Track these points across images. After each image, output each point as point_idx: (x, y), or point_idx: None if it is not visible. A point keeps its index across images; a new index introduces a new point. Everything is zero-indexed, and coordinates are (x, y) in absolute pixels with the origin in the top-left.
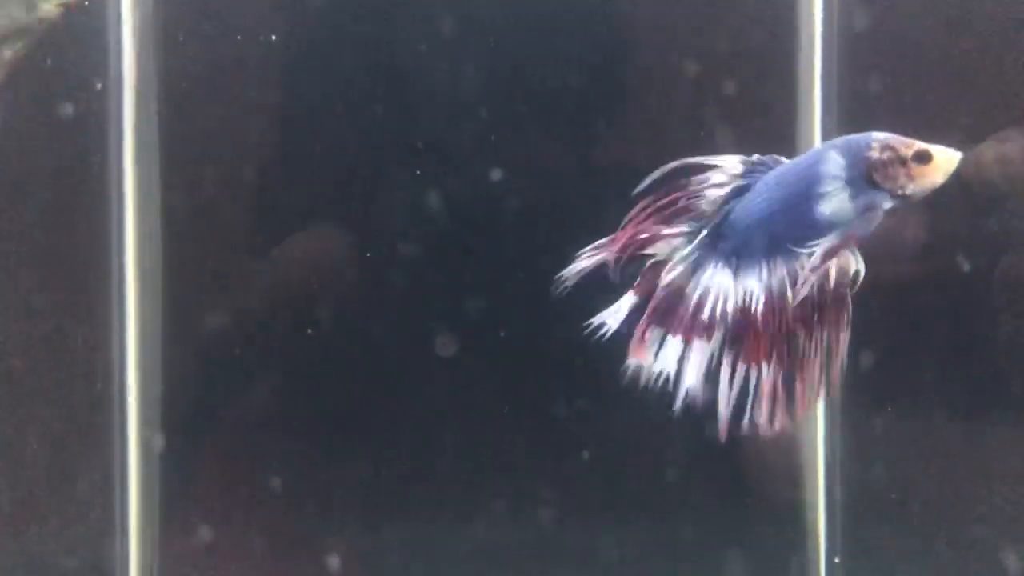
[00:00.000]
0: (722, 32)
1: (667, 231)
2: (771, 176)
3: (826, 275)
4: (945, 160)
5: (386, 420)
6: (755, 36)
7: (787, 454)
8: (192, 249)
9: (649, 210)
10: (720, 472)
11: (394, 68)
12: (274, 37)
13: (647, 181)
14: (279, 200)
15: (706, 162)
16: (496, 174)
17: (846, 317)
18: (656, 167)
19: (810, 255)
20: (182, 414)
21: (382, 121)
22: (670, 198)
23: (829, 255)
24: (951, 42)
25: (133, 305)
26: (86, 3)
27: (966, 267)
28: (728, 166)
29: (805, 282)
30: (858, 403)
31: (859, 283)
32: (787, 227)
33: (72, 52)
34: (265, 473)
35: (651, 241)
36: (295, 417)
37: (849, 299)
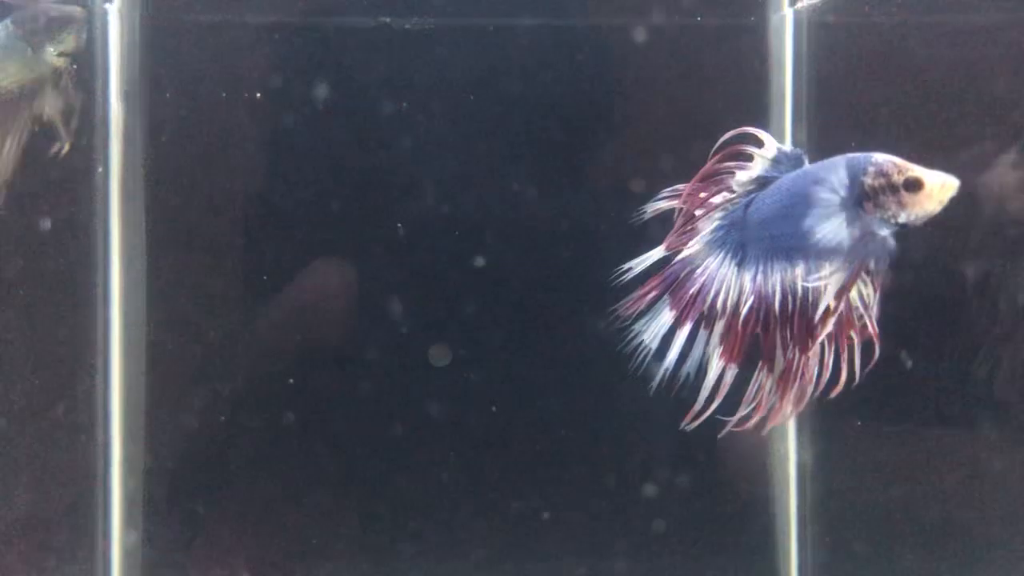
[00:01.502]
0: (699, 64)
1: (715, 200)
2: (788, 177)
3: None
4: (939, 188)
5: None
6: (730, 66)
7: (756, 453)
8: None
9: (710, 173)
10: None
11: (379, 114)
12: (259, 95)
13: (719, 143)
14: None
15: (761, 135)
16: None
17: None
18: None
19: (811, 274)
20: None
21: (366, 171)
22: (722, 167)
23: (841, 294)
24: (920, 63)
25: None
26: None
27: (936, 273)
28: (767, 151)
29: (823, 323)
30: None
31: (875, 306)
32: (786, 234)
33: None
34: None
35: (703, 203)
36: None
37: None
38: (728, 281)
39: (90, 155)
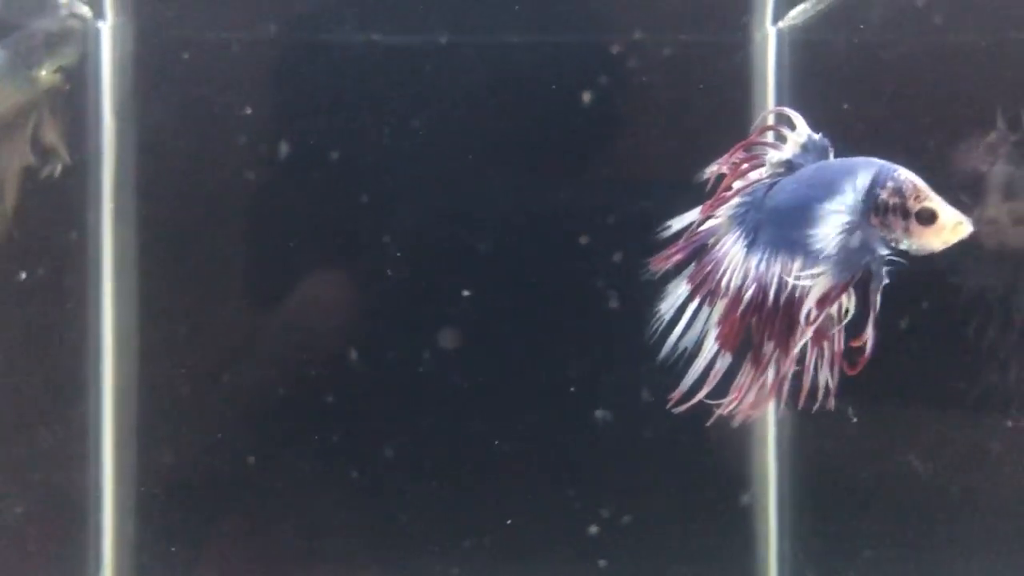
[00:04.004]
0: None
1: (752, 175)
2: (810, 168)
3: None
4: (951, 228)
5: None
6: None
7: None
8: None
9: (751, 144)
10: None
11: (369, 129)
12: (249, 110)
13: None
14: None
15: (796, 119)
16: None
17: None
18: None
19: (804, 272)
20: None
21: (357, 186)
22: (761, 142)
23: (823, 303)
24: (902, 82)
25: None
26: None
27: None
28: (799, 135)
29: (804, 326)
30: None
31: (846, 319)
32: (794, 226)
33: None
34: None
35: (742, 174)
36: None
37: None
38: (736, 262)
39: (83, 171)
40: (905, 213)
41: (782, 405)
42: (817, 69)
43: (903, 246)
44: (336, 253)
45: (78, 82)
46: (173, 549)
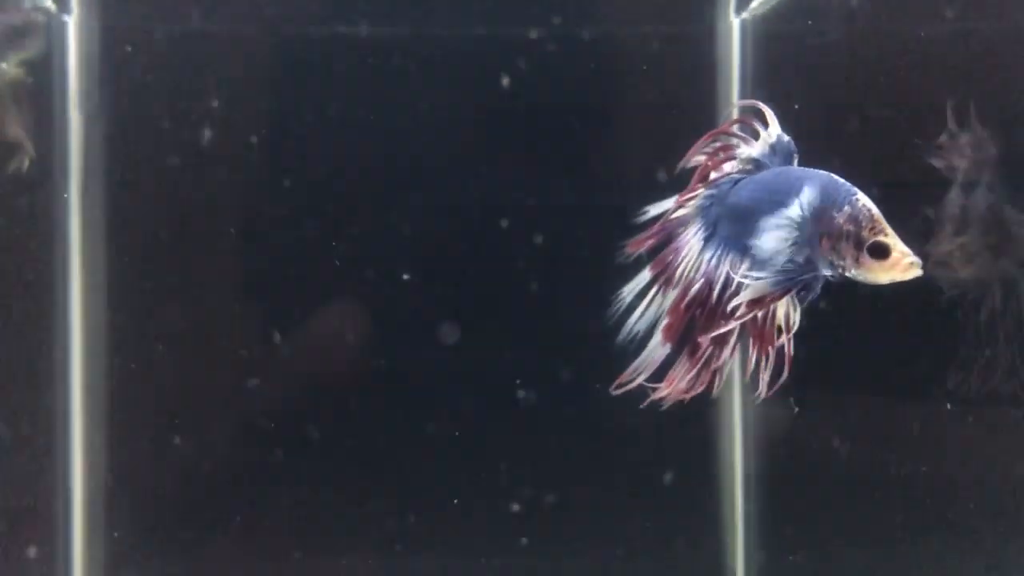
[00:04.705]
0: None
1: (726, 166)
2: (771, 172)
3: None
4: (900, 267)
5: None
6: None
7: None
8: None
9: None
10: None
11: (344, 124)
12: (215, 103)
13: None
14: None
15: (770, 118)
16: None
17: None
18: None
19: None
20: None
21: (331, 181)
22: (734, 134)
23: (753, 307)
24: (866, 73)
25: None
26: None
27: None
28: (770, 133)
29: (726, 319)
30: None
31: (792, 331)
32: (745, 230)
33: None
34: None
35: (719, 165)
36: None
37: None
38: (693, 254)
39: (49, 164)
40: (858, 243)
41: (714, 394)
42: (781, 59)
43: (849, 274)
44: (302, 243)
45: (43, 76)
46: (145, 543)
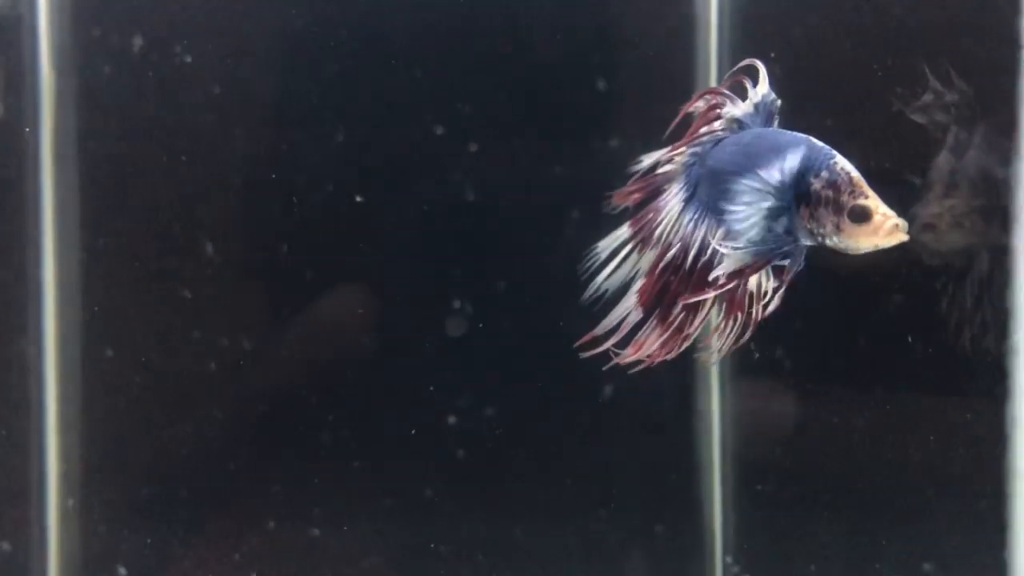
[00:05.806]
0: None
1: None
2: (750, 133)
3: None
4: (886, 230)
5: None
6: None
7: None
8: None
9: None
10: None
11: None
12: (189, 59)
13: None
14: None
15: (762, 76)
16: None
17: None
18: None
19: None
20: None
21: (296, 137)
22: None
23: (733, 278)
24: (848, 44)
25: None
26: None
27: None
28: (757, 92)
29: (703, 289)
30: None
31: (773, 301)
32: (722, 194)
33: None
34: None
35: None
36: None
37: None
38: (672, 215)
39: (19, 118)
40: (837, 208)
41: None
42: (761, 25)
43: (830, 243)
44: (276, 213)
45: (14, 33)
46: (120, 538)
